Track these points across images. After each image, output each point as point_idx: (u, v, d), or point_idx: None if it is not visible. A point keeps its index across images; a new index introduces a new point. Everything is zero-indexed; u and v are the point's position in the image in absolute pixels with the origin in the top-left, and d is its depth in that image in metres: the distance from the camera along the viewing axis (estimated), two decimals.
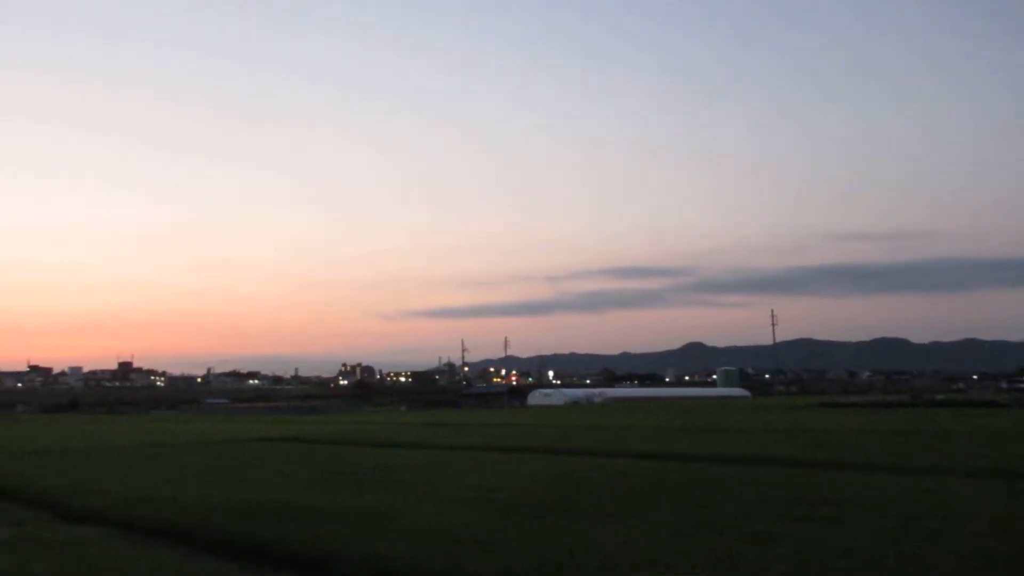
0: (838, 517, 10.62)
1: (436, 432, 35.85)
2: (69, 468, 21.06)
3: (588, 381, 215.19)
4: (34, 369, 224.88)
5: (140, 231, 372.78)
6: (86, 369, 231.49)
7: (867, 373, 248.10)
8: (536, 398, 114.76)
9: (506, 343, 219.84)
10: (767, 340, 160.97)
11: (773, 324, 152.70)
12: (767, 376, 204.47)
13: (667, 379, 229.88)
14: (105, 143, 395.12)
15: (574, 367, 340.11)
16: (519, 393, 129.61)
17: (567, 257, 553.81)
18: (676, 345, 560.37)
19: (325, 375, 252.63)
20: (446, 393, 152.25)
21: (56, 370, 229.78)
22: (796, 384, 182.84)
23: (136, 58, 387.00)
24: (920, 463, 17.43)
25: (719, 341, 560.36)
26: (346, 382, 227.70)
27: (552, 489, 14.14)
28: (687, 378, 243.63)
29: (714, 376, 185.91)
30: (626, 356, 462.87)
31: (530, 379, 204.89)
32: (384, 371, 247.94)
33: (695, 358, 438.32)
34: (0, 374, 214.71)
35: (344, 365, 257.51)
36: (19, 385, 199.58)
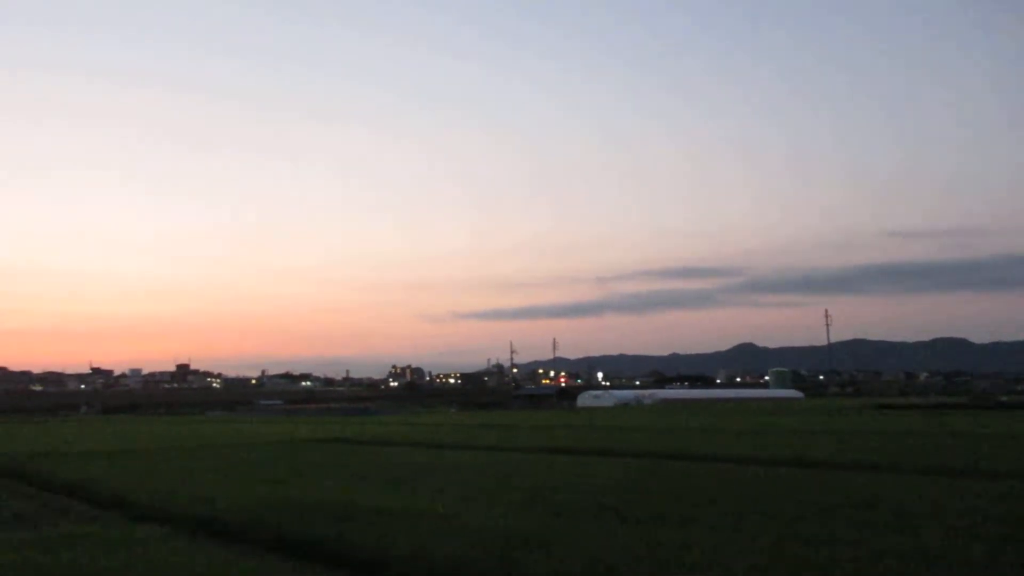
0: (900, 521, 10.37)
1: (487, 433, 35.95)
2: (132, 467, 21.64)
3: (637, 382, 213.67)
4: (96, 371, 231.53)
5: (196, 236, 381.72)
6: (145, 371, 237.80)
7: (925, 374, 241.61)
8: (585, 399, 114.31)
9: (555, 344, 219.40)
10: (820, 340, 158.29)
11: (827, 324, 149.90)
12: (821, 377, 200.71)
13: (718, 380, 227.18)
14: (162, 149, 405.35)
15: (623, 368, 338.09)
16: (568, 394, 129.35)
17: (615, 258, 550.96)
18: (726, 346, 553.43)
19: (375, 377, 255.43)
20: (495, 395, 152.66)
21: (117, 372, 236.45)
22: (851, 386, 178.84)
23: (194, 63, 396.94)
24: (984, 467, 16.92)
25: (770, 342, 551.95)
26: (396, 384, 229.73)
27: (606, 491, 14.05)
28: (738, 379, 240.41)
29: (766, 377, 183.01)
30: (675, 357, 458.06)
31: (579, 380, 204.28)
32: (433, 373, 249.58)
33: (746, 359, 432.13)
34: (64, 376, 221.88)
35: (394, 367, 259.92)
36: (82, 387, 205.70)
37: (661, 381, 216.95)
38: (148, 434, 44.67)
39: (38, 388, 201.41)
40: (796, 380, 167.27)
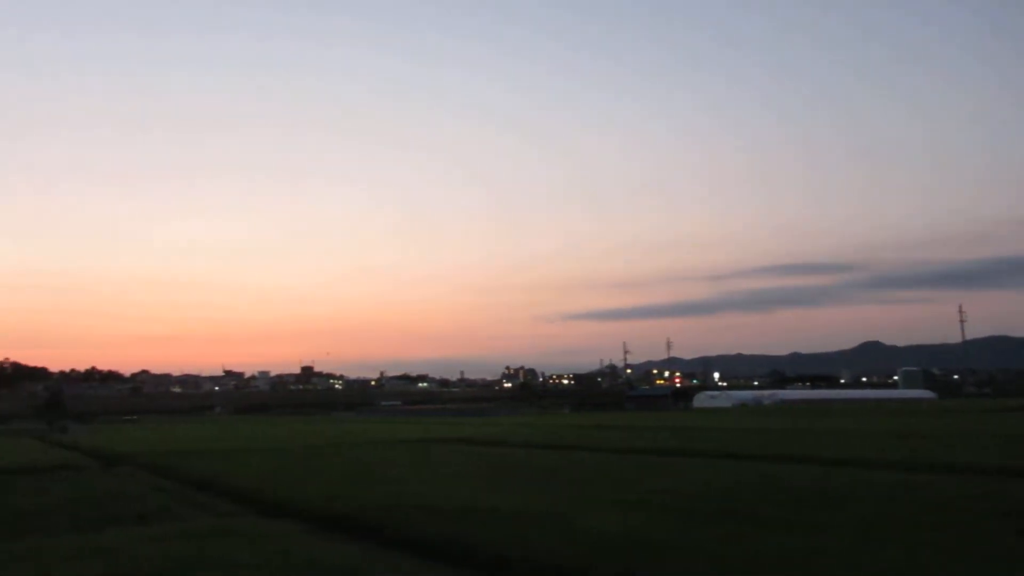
0: None
1: (602, 434, 35.73)
2: (263, 465, 22.73)
3: (756, 383, 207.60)
4: (229, 374, 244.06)
5: (322, 244, 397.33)
6: (273, 373, 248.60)
7: None
8: (702, 400, 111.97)
9: (668, 344, 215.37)
10: (954, 338, 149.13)
11: (961, 320, 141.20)
12: (955, 377, 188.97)
13: (842, 380, 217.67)
14: (286, 158, 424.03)
15: (740, 368, 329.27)
16: (684, 395, 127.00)
17: (730, 255, 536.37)
18: (851, 344, 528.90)
19: (489, 378, 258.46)
20: (608, 395, 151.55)
21: (247, 374, 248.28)
22: (989, 385, 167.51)
23: (308, 84, 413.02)
24: None
25: (899, 340, 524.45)
26: (510, 384, 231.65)
27: (729, 494, 13.72)
28: (864, 379, 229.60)
29: (895, 377, 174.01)
30: (796, 357, 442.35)
31: (694, 381, 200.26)
32: (546, 374, 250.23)
33: (872, 358, 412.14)
34: (200, 378, 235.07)
35: (507, 368, 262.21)
36: (216, 388, 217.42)
37: (781, 381, 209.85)
38: (277, 433, 46.79)
39: (177, 390, 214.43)
40: (927, 380, 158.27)
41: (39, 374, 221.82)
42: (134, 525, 12.84)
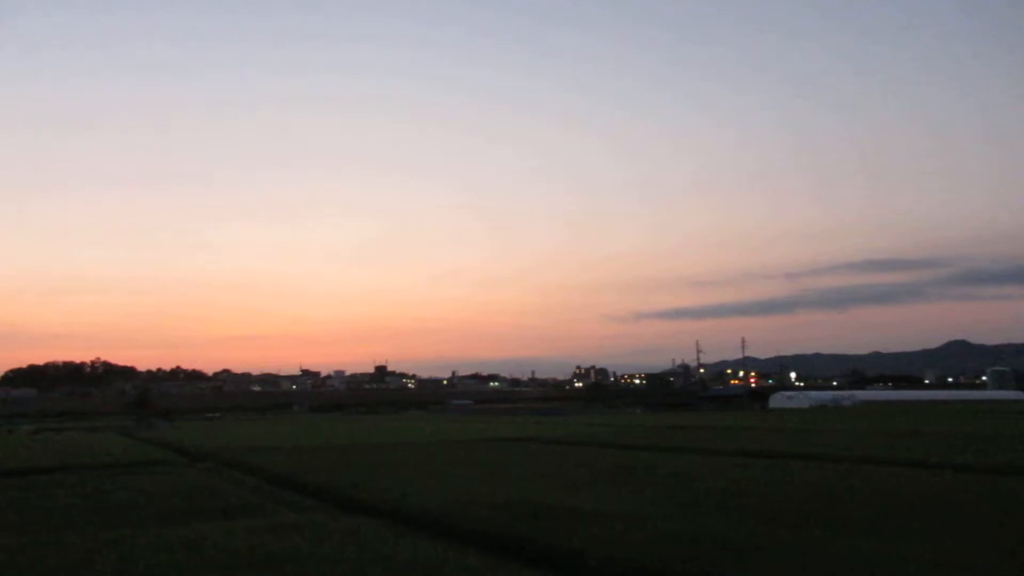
0: None
1: (676, 435, 35.28)
2: (342, 462, 23.18)
3: (835, 383, 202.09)
4: (306, 373, 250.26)
5: (395, 247, 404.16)
6: (348, 373, 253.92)
7: None
8: (778, 400, 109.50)
9: (743, 344, 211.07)
10: None
11: None
12: None
13: (926, 381, 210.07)
14: (352, 163, 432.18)
15: (818, 368, 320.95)
16: (759, 395, 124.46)
17: (807, 252, 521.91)
18: (934, 344, 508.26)
19: (560, 377, 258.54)
20: (681, 395, 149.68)
21: (323, 374, 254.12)
22: None
23: (373, 86, 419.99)
24: None
25: (987, 339, 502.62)
26: (580, 384, 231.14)
27: (811, 497, 13.34)
28: (950, 380, 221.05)
29: (983, 377, 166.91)
30: (877, 356, 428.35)
31: (770, 381, 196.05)
32: (618, 373, 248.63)
33: (958, 358, 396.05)
34: (278, 378, 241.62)
35: (578, 367, 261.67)
36: (294, 387, 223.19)
37: (861, 381, 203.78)
38: (352, 431, 47.69)
39: (257, 389, 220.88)
40: (1019, 380, 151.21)
41: (128, 373, 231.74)
42: (218, 519, 13.24)
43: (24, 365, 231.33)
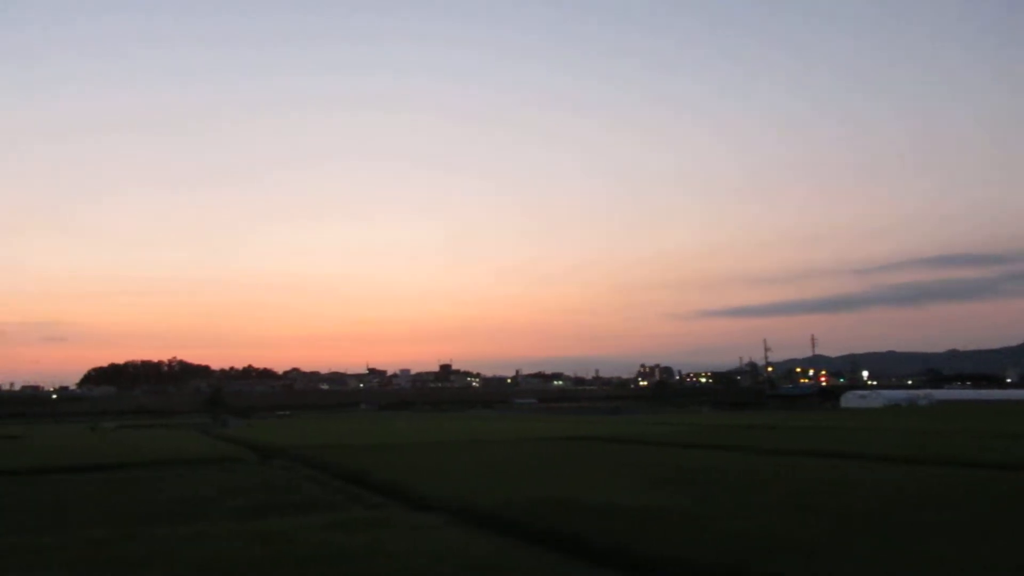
0: None
1: (744, 434, 34.75)
2: (410, 459, 23.53)
3: (909, 382, 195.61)
4: (372, 372, 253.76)
5: (459, 245, 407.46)
6: (413, 371, 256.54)
7: None
8: (850, 400, 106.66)
9: (813, 342, 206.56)
10: None
11: None
12: None
13: (1008, 380, 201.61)
14: (416, 170, 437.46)
15: (891, 366, 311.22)
16: (830, 395, 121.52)
17: (878, 247, 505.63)
18: (1017, 341, 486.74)
19: (624, 376, 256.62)
20: (749, 394, 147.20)
21: (390, 372, 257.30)
22: None
23: (421, 89, 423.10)
24: None
25: None
26: (645, 383, 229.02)
27: (888, 500, 13.01)
28: None
29: None
30: (953, 354, 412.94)
31: (841, 380, 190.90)
32: (683, 372, 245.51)
33: None
34: (346, 376, 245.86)
35: (643, 366, 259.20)
36: (361, 386, 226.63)
37: (937, 380, 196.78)
38: (420, 429, 48.29)
39: (325, 387, 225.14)
40: None
41: (202, 372, 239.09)
42: (292, 514, 13.62)
43: (105, 364, 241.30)
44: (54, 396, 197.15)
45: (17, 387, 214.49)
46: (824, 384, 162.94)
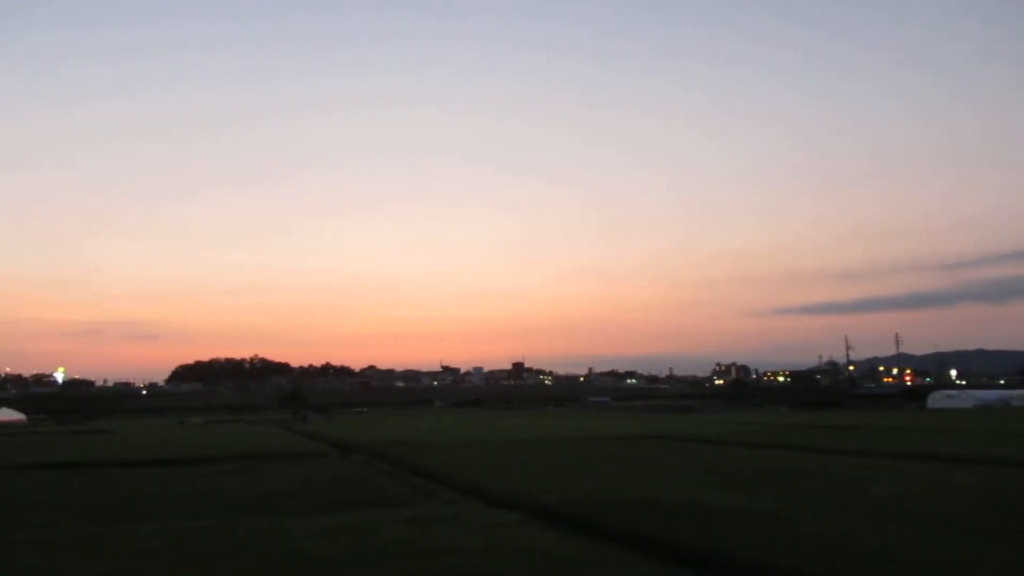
0: None
1: (826, 435, 33.77)
2: (484, 456, 23.66)
3: (1002, 381, 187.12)
4: (446, 369, 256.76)
5: (532, 244, 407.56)
6: (486, 369, 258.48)
7: None
8: (938, 400, 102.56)
9: (897, 339, 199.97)
10: None
11: None
12: None
13: None
14: (487, 170, 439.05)
15: (981, 365, 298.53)
16: (916, 394, 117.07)
17: (965, 241, 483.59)
18: None
19: (699, 374, 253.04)
20: (829, 394, 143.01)
21: (463, 370, 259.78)
22: None
23: (504, 89, 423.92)
24: None
25: None
26: (721, 381, 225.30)
27: (979, 504, 12.45)
28: None
29: None
30: None
31: (927, 379, 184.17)
32: (760, 370, 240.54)
33: None
34: (420, 373, 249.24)
35: (718, 364, 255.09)
36: (435, 383, 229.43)
37: None
38: (493, 427, 48.56)
39: (400, 384, 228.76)
40: None
41: (282, 369, 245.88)
42: (370, 508, 13.84)
43: (191, 362, 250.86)
44: (144, 392, 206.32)
45: (110, 383, 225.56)
46: (909, 383, 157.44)
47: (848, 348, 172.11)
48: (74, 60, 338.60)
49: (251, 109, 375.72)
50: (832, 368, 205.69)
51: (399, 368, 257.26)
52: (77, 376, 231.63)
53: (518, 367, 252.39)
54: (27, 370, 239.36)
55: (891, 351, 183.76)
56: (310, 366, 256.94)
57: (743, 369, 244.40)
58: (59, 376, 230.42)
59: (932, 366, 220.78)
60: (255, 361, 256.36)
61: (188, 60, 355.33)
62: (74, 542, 10.84)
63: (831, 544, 9.23)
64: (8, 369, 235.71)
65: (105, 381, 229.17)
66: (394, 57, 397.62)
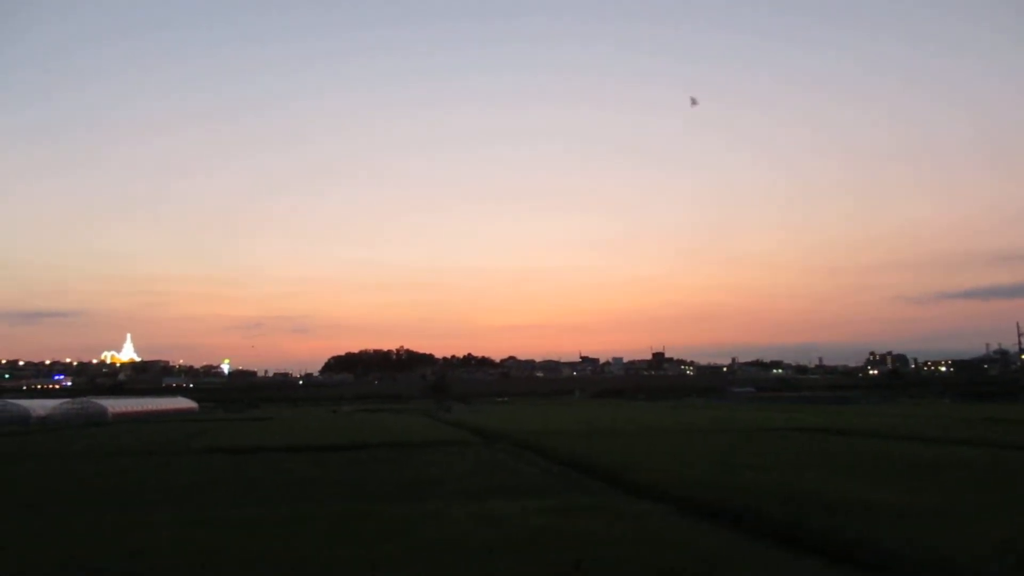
0: None
1: (995, 429, 31.40)
2: (626, 447, 23.57)
3: None
4: (585, 360, 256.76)
5: (668, 233, 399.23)
6: (625, 360, 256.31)
7: None
8: None
9: None
10: None
11: None
12: None
13: None
14: (622, 160, 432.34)
15: None
16: None
17: None
18: None
19: (851, 364, 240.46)
20: (999, 384, 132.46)
21: (602, 360, 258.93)
22: None
23: (658, 82, 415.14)
24: None
25: None
26: (875, 372, 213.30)
27: None
28: None
29: None
30: None
31: None
32: (919, 360, 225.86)
33: None
34: (559, 364, 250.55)
35: (872, 354, 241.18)
36: (574, 373, 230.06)
37: None
38: (634, 418, 48.21)
39: (540, 375, 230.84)
40: None
41: (427, 360, 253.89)
42: (515, 497, 14.09)
43: (342, 353, 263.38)
44: (300, 382, 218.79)
45: (270, 374, 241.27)
46: None
47: (1021, 335, 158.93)
48: (229, 76, 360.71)
49: (397, 106, 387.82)
50: (1002, 357, 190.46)
51: (539, 359, 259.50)
52: (241, 367, 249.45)
53: (658, 357, 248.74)
54: (198, 362, 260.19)
55: None
56: (453, 357, 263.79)
57: (900, 358, 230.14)
58: (225, 367, 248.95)
59: None
60: (401, 352, 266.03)
61: (337, 68, 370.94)
62: (238, 523, 11.65)
63: (1004, 543, 8.64)
64: (182, 360, 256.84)
65: (266, 372, 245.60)
66: (519, 59, 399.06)
